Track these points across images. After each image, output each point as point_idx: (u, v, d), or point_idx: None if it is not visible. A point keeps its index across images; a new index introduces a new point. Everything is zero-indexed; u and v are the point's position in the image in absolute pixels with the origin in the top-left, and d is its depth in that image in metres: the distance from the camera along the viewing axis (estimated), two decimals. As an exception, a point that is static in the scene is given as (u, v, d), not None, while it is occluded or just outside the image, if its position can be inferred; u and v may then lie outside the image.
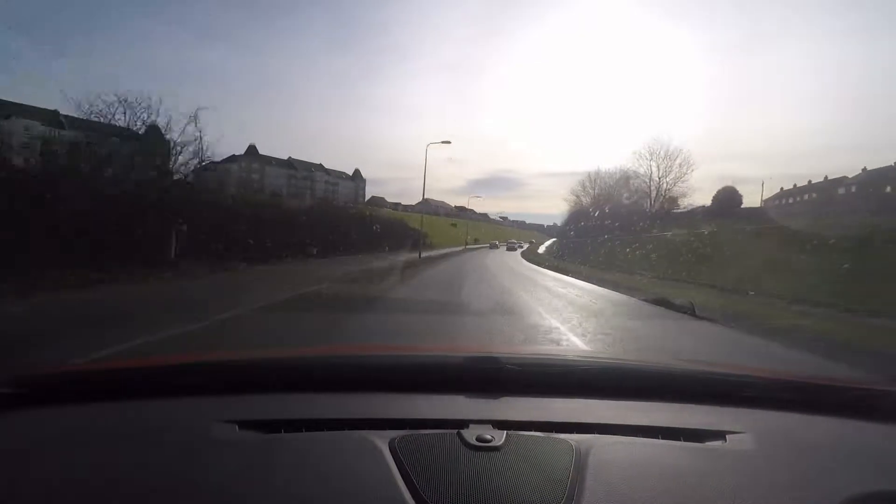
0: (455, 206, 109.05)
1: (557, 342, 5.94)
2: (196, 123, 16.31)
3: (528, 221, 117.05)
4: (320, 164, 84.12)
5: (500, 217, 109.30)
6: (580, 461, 0.76)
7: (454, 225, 76.46)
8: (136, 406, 0.96)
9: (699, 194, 46.86)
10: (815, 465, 0.85)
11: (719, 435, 0.90)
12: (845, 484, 0.76)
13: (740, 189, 45.41)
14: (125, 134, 15.56)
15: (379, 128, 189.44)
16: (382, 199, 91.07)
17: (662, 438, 0.88)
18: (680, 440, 0.88)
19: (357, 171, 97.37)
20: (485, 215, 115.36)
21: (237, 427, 0.85)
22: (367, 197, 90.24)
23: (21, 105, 29.32)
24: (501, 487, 0.70)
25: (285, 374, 1.11)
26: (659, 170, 43.38)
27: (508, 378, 1.07)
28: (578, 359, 1.45)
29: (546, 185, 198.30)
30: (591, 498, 0.69)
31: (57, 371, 1.16)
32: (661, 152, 43.16)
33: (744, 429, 0.92)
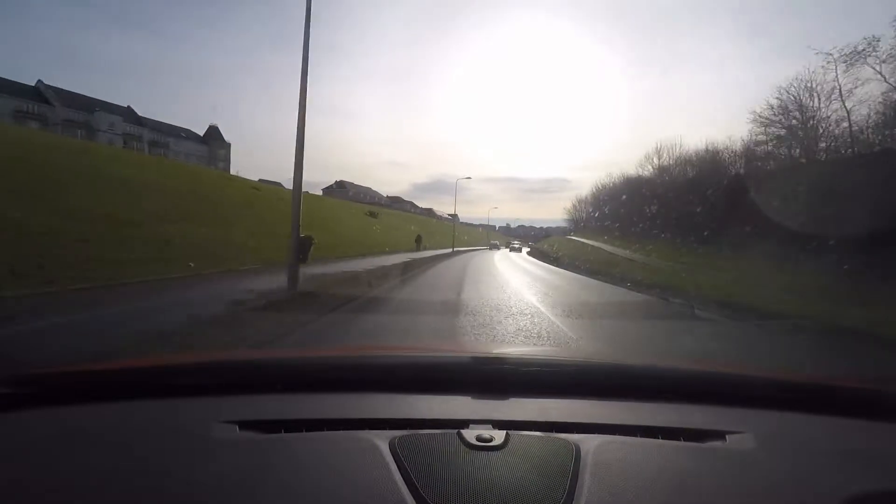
0: (388, 196, 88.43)
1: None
2: None
3: (475, 223, 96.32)
4: (128, 107, 52.20)
5: (450, 215, 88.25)
6: (580, 461, 0.76)
7: (373, 215, 45.34)
8: (136, 406, 0.96)
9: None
10: (815, 465, 0.84)
11: (719, 435, 0.89)
12: (845, 484, 0.75)
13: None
14: None
15: (321, 130, 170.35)
16: (279, 184, 52.22)
17: (662, 438, 0.88)
18: (680, 440, 0.88)
19: (213, 131, 63.46)
20: (429, 210, 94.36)
21: (237, 427, 0.85)
22: (235, 170, 56.25)
23: None
24: (501, 487, 0.70)
25: (285, 374, 1.11)
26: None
27: (508, 378, 1.07)
28: (578, 360, 1.46)
29: (487, 191, 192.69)
30: (591, 498, 0.68)
31: (57, 371, 1.15)
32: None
33: (744, 429, 0.92)
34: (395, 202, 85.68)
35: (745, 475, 0.79)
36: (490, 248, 52.14)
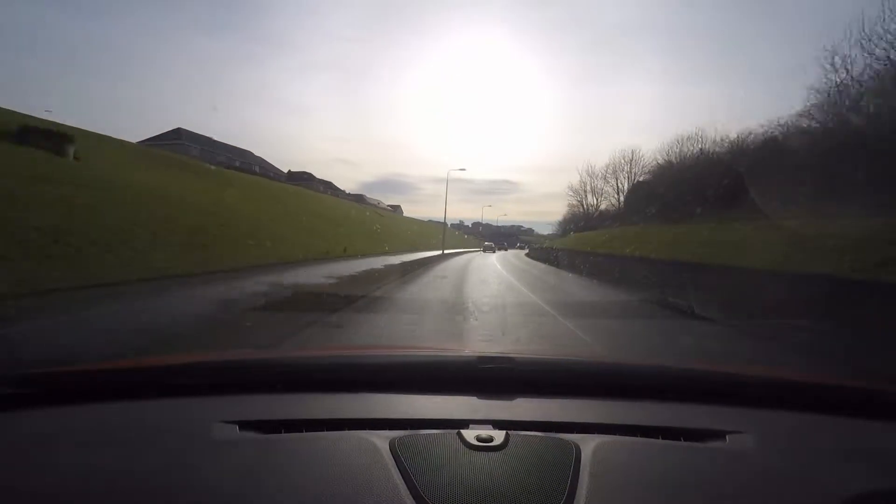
0: (290, 172, 55.40)
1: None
2: None
3: (425, 220, 72.38)
4: None
5: (390, 206, 73.38)
6: (580, 461, 0.76)
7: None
8: (136, 406, 0.96)
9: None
10: (815, 465, 0.84)
11: (719, 435, 0.89)
12: (845, 484, 0.75)
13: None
14: None
15: (266, 123, 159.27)
16: (141, 145, 29.36)
17: (662, 438, 0.88)
18: (680, 440, 0.88)
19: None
20: (360, 196, 64.06)
21: (237, 427, 0.85)
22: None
23: None
24: (501, 487, 0.69)
25: (285, 374, 1.10)
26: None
27: (508, 378, 1.07)
28: (578, 359, 1.46)
29: (437, 190, 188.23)
30: (591, 498, 0.68)
31: (59, 371, 1.14)
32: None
33: (744, 429, 0.91)
34: (301, 178, 52.01)
35: (745, 475, 0.79)
36: (484, 251, 40.48)
